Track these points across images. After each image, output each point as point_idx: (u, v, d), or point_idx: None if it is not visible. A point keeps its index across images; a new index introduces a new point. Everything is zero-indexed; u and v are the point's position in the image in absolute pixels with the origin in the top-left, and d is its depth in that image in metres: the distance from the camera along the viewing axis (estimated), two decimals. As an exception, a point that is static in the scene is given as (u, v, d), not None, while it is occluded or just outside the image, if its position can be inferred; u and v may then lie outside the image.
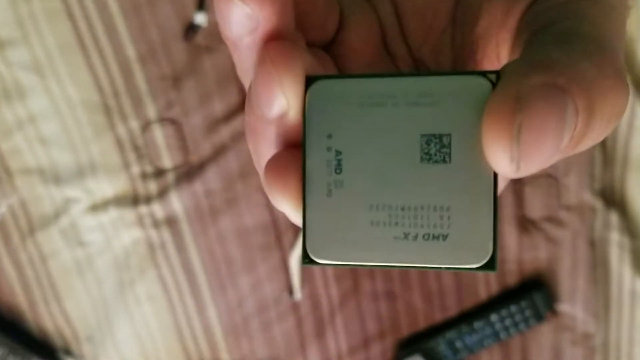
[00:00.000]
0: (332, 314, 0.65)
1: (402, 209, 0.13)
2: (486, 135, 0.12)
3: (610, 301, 0.65)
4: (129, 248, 0.61)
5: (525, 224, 0.63)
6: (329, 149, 0.14)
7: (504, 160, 0.12)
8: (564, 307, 0.65)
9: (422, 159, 0.13)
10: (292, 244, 0.62)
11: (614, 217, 0.62)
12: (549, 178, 0.61)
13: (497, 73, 0.12)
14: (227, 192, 0.60)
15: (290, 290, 0.63)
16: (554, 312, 0.64)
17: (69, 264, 0.61)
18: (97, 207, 0.60)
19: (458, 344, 0.65)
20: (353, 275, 0.63)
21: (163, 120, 0.58)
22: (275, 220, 0.61)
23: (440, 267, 0.13)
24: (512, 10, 0.16)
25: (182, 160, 0.59)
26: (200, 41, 0.56)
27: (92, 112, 0.57)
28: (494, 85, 0.12)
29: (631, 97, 0.57)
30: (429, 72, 0.14)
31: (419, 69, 0.19)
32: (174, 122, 0.58)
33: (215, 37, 0.56)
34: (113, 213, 0.59)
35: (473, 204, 0.12)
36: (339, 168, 0.14)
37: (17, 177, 0.59)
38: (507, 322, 0.64)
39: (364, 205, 0.13)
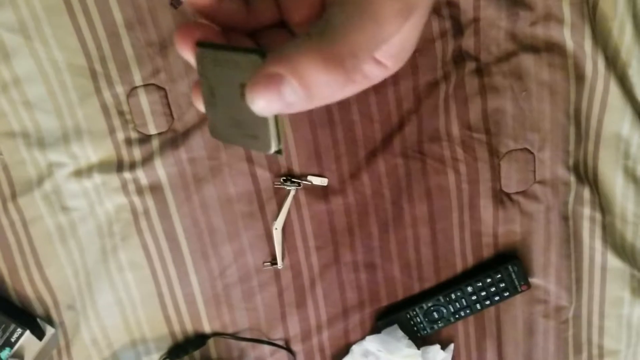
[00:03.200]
0: (313, 284, 0.66)
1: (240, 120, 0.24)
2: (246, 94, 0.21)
3: (582, 275, 0.68)
4: (112, 215, 0.61)
5: (501, 198, 0.65)
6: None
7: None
8: (537, 280, 0.67)
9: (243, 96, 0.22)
10: (275, 214, 0.63)
11: (587, 193, 0.64)
12: (525, 152, 0.63)
13: (262, 51, 0.22)
14: (212, 161, 0.61)
15: (272, 260, 0.64)
16: (528, 285, 0.66)
17: (51, 230, 0.61)
18: (81, 173, 0.60)
19: (435, 315, 0.66)
20: (334, 246, 0.65)
21: (149, 86, 0.58)
22: (259, 189, 0.62)
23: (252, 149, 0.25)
24: None
25: (166, 127, 0.59)
26: (187, 8, 0.57)
27: (78, 76, 0.57)
28: (262, 58, 0.22)
29: (603, 74, 0.60)
30: (247, 49, 0.23)
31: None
32: (159, 88, 0.58)
33: (203, 5, 0.57)
34: (97, 179, 0.60)
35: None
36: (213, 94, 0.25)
37: (0, 140, 0.58)
38: (483, 294, 0.66)
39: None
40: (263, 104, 0.20)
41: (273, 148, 0.23)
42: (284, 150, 0.24)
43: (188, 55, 0.25)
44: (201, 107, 0.26)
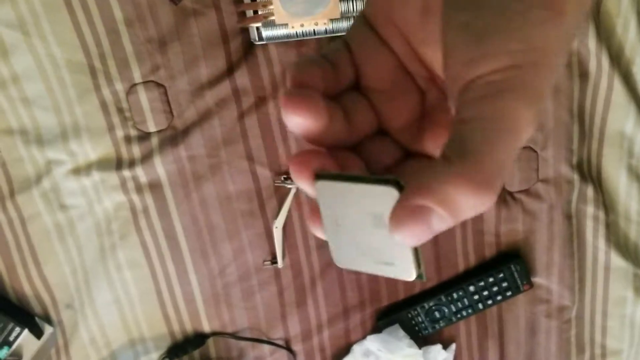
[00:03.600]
0: (313, 283, 0.65)
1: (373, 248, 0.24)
2: (390, 229, 0.20)
3: (585, 274, 0.67)
4: (111, 213, 0.61)
5: (503, 197, 0.64)
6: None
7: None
8: (539, 280, 0.67)
9: (374, 225, 0.22)
10: (276, 212, 0.62)
11: (590, 191, 0.64)
12: (528, 151, 0.62)
13: (398, 182, 0.21)
14: (211, 158, 0.60)
15: (272, 259, 0.64)
16: (530, 284, 0.65)
17: (50, 228, 0.61)
18: (79, 170, 0.59)
19: (436, 314, 0.66)
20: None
21: (148, 83, 0.57)
22: (259, 187, 0.62)
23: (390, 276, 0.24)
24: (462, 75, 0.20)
25: (166, 124, 0.59)
26: (187, 4, 0.56)
27: (76, 72, 0.57)
28: (399, 190, 0.21)
29: (607, 72, 0.59)
30: (377, 179, 0.22)
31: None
32: (159, 85, 0.58)
33: (203, 1, 0.56)
34: (96, 176, 0.59)
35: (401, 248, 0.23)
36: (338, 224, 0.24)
37: (-1, 138, 0.58)
38: (484, 293, 0.65)
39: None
40: (409, 236, 0.20)
41: (414, 275, 0.22)
42: (424, 273, 0.23)
43: (307, 186, 0.23)
44: (321, 235, 0.25)
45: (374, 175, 0.23)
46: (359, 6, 0.55)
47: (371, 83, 0.25)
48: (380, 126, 0.25)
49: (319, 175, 0.23)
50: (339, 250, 0.25)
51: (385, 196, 0.21)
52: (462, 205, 0.19)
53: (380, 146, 0.25)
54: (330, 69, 0.24)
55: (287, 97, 0.22)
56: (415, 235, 0.19)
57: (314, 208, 0.24)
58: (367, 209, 0.22)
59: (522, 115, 0.19)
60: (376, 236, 0.22)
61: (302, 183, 0.23)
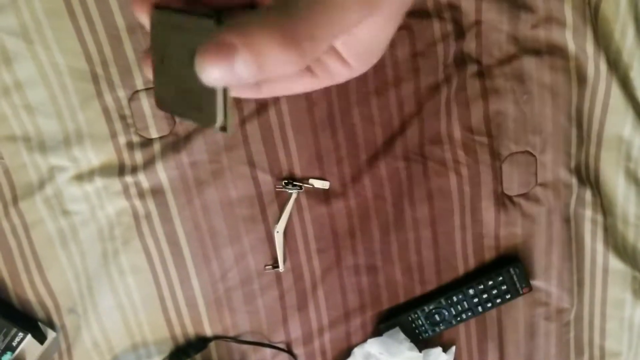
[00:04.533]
0: (314, 287, 0.66)
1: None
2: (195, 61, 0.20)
3: (584, 277, 0.68)
4: (114, 218, 0.61)
5: (502, 200, 0.65)
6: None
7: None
8: (538, 283, 0.67)
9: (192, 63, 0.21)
10: (277, 217, 0.63)
11: (588, 195, 0.64)
12: (527, 155, 0.63)
13: (219, 16, 0.20)
14: (213, 164, 0.61)
15: (274, 263, 0.64)
16: (529, 287, 0.66)
17: (53, 234, 0.61)
18: (82, 177, 0.60)
19: (436, 318, 0.66)
20: (335, 249, 0.65)
21: (150, 89, 0.58)
22: (260, 193, 0.62)
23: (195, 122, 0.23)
24: None
25: (168, 130, 0.59)
26: None
27: (79, 79, 0.57)
28: (218, 24, 0.20)
29: (605, 77, 0.60)
30: (204, 14, 0.21)
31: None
32: (161, 92, 0.58)
33: (204, 8, 0.57)
34: (98, 182, 0.60)
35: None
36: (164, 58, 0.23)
37: (1, 144, 0.58)
38: (484, 296, 0.65)
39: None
40: (212, 72, 0.19)
41: (218, 122, 0.21)
42: (231, 128, 0.22)
43: (144, 18, 0.24)
44: (149, 73, 0.25)
45: (207, 11, 0.22)
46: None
47: None
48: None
49: (157, 7, 0.23)
50: (160, 91, 0.24)
51: (205, 30, 0.20)
52: (266, 53, 0.19)
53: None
54: None
55: None
56: (216, 72, 0.19)
57: (149, 46, 0.24)
58: (188, 44, 0.21)
59: None
60: (192, 77, 0.21)
61: (139, 12, 0.24)
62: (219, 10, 0.21)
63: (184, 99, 0.23)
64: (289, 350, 0.67)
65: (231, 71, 0.19)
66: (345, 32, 0.21)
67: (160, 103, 0.25)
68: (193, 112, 0.23)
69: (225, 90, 0.21)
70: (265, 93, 0.24)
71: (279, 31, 0.19)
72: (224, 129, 0.22)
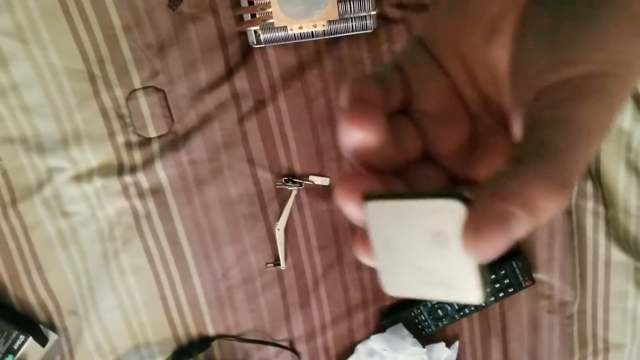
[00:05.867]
0: (316, 284, 0.65)
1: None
2: (464, 244, 0.18)
3: (586, 269, 0.67)
4: (114, 218, 0.61)
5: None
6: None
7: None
8: (541, 276, 0.67)
9: (434, 245, 0.21)
10: (277, 215, 0.62)
11: (589, 187, 0.64)
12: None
13: (462, 195, 0.19)
14: (212, 162, 0.60)
15: (275, 261, 0.64)
16: (532, 280, 0.66)
17: (52, 235, 0.61)
18: (81, 177, 0.59)
19: (439, 313, 0.66)
20: (336, 246, 0.64)
21: (148, 88, 0.58)
22: (260, 190, 0.62)
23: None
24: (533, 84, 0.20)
25: (166, 129, 0.59)
26: (184, 9, 0.56)
27: (76, 80, 0.57)
28: (465, 203, 0.19)
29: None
30: (435, 194, 0.20)
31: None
32: (158, 90, 0.58)
33: (200, 6, 0.56)
34: (97, 183, 0.59)
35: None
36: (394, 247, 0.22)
37: (-1, 146, 0.58)
38: (487, 290, 0.65)
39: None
40: (487, 248, 0.18)
41: (480, 297, 0.20)
42: (487, 296, 0.20)
43: (354, 209, 0.22)
44: (371, 262, 0.23)
45: (433, 190, 0.21)
46: (357, 7, 0.55)
47: (422, 106, 0.24)
48: (426, 151, 0.24)
49: (368, 197, 0.21)
50: (390, 276, 0.22)
51: (449, 211, 0.19)
52: (543, 207, 0.18)
53: (425, 171, 0.24)
54: (383, 89, 0.22)
55: (351, 111, 0.21)
56: (493, 246, 0.17)
57: (362, 234, 0.22)
58: (426, 228, 0.20)
59: (601, 118, 0.19)
60: (436, 257, 0.20)
61: (350, 206, 0.22)
62: (455, 189, 0.20)
63: (426, 280, 0.22)
64: (292, 348, 0.67)
65: (509, 239, 0.17)
66: (598, 147, 0.20)
67: (390, 287, 0.23)
68: (442, 291, 0.21)
69: (482, 264, 0.20)
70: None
71: (551, 181, 0.18)
72: (483, 299, 0.21)
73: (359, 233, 0.23)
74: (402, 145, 0.23)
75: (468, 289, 0.20)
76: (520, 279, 0.65)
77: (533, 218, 0.18)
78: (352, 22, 0.56)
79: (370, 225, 0.22)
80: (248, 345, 0.66)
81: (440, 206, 0.19)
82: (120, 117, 0.58)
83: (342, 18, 0.55)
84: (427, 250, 0.21)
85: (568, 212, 0.65)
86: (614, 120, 0.19)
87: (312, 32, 0.56)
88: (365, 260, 0.23)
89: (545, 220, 0.18)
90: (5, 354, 0.60)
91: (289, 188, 0.61)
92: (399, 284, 0.23)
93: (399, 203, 0.21)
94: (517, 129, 0.20)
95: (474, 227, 0.18)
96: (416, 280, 0.22)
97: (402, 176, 0.23)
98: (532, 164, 0.18)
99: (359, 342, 0.67)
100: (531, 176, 0.18)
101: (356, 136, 0.21)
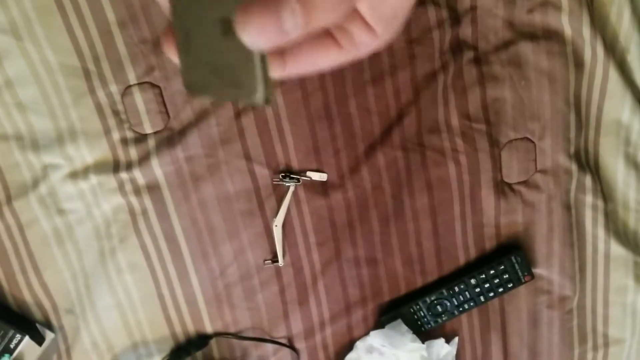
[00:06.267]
0: (314, 281, 0.65)
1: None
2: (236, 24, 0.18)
3: (585, 264, 0.67)
4: (110, 216, 0.60)
5: (502, 188, 0.64)
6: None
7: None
8: (540, 271, 0.67)
9: (224, 33, 0.20)
10: (275, 211, 0.62)
11: (588, 180, 0.64)
12: (526, 142, 0.62)
13: None
14: (209, 158, 0.60)
15: (273, 258, 0.64)
16: (531, 275, 0.65)
17: (48, 233, 0.60)
18: (77, 174, 0.59)
19: (438, 308, 0.66)
20: (335, 242, 0.64)
21: (143, 84, 0.57)
22: (258, 186, 0.61)
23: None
24: None
25: (162, 125, 0.59)
26: None
27: (71, 76, 0.56)
28: None
29: (602, 60, 0.59)
30: None
31: None
32: (154, 86, 0.57)
33: None
34: (93, 180, 0.59)
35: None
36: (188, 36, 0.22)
37: (-6, 144, 0.58)
38: (486, 286, 0.65)
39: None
40: (257, 32, 0.18)
41: (260, 94, 0.20)
42: (273, 99, 0.20)
43: None
44: (173, 55, 0.23)
45: None
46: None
47: None
48: None
49: None
50: (189, 72, 0.22)
51: None
52: (317, 4, 0.18)
53: None
54: None
55: None
56: (263, 30, 0.18)
57: (169, 26, 0.22)
58: (218, 13, 0.20)
59: None
60: (224, 50, 0.20)
61: None
62: None
63: (217, 76, 0.21)
64: (290, 346, 0.67)
65: (279, 26, 0.18)
66: None
67: (189, 86, 0.23)
68: (229, 90, 0.21)
69: (263, 57, 0.20)
70: (290, 69, 0.23)
71: None
72: (267, 101, 0.21)
73: (166, 26, 0.23)
74: None
75: (251, 87, 0.20)
76: (520, 274, 0.65)
77: (305, 10, 0.18)
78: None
79: (173, 13, 0.22)
80: (246, 343, 0.66)
81: None
82: (116, 113, 0.58)
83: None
84: (218, 42, 0.20)
85: (567, 207, 0.65)
86: None
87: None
88: (170, 54, 0.23)
89: (319, 20, 0.19)
90: (2, 353, 0.60)
91: (287, 184, 0.61)
92: (196, 82, 0.22)
93: None
94: None
95: (245, 6, 0.18)
96: (210, 78, 0.21)
97: None
98: None
99: (358, 338, 0.67)
100: None
101: None
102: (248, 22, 0.18)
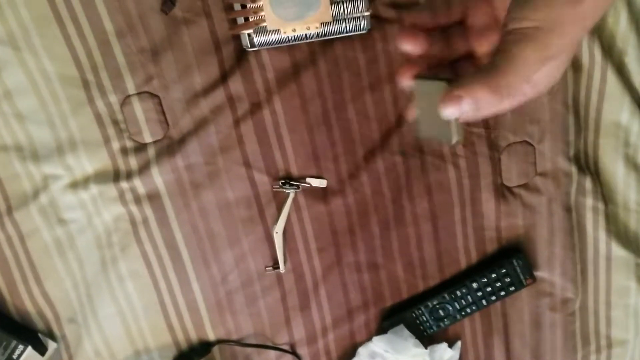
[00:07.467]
0: (316, 287, 0.65)
1: None
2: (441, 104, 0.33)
3: (587, 266, 0.67)
4: (111, 225, 0.60)
5: (502, 192, 0.64)
6: None
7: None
8: (542, 273, 0.67)
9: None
10: (275, 217, 0.62)
11: (588, 183, 0.64)
12: (525, 145, 0.62)
13: (449, 80, 0.34)
14: (209, 166, 0.60)
15: (274, 264, 0.64)
16: (533, 278, 0.65)
17: (49, 243, 0.60)
18: (77, 184, 0.59)
19: (440, 313, 0.66)
20: (335, 247, 0.64)
21: (142, 94, 0.57)
22: (258, 193, 0.61)
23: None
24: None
25: (162, 134, 0.59)
26: (177, 13, 0.56)
27: (69, 86, 0.56)
28: (448, 84, 0.34)
29: (600, 63, 0.59)
30: (442, 78, 0.35)
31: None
32: (153, 96, 0.57)
33: (193, 10, 0.56)
34: (94, 189, 0.59)
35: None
36: None
37: (-6, 155, 0.58)
38: (488, 289, 0.65)
39: None
40: (448, 111, 0.33)
41: (454, 139, 0.35)
42: (461, 139, 0.36)
43: (407, 84, 0.37)
44: (412, 117, 0.38)
45: (441, 76, 0.36)
46: (350, 8, 0.55)
47: (472, 21, 0.38)
48: (471, 52, 0.39)
49: (417, 77, 0.37)
50: (421, 126, 0.37)
51: (443, 88, 0.33)
52: (479, 99, 0.32)
53: (466, 65, 0.39)
54: (443, 10, 0.38)
55: (399, 31, 0.42)
56: (451, 110, 0.33)
57: (414, 101, 0.37)
58: (437, 97, 0.33)
59: (532, 56, 0.31)
60: (439, 114, 0.33)
61: (404, 82, 0.37)
62: (449, 77, 0.35)
63: (435, 128, 0.35)
64: (293, 352, 0.67)
65: (460, 109, 0.32)
66: (530, 78, 0.31)
67: (420, 134, 0.37)
68: (440, 135, 0.35)
69: (456, 120, 0.34)
70: (479, 114, 0.33)
71: (487, 84, 0.31)
72: (457, 142, 0.35)
73: (411, 103, 0.38)
74: (453, 48, 0.39)
75: (450, 134, 0.35)
76: (521, 277, 0.65)
77: (474, 103, 0.32)
78: (345, 23, 0.56)
79: (415, 95, 0.37)
80: (249, 350, 0.66)
81: (442, 85, 0.34)
82: (115, 123, 0.58)
83: (335, 19, 0.55)
84: (436, 111, 0.34)
85: (567, 209, 0.65)
86: (546, 61, 0.31)
87: (306, 34, 0.55)
88: (409, 117, 0.38)
89: (486, 109, 0.32)
90: (5, 363, 0.60)
91: (286, 191, 0.61)
92: (423, 132, 0.37)
93: (428, 82, 0.36)
94: None
95: (443, 98, 0.33)
96: (432, 130, 0.36)
97: (454, 67, 0.39)
98: (484, 73, 0.32)
99: (361, 344, 0.67)
100: (480, 79, 0.32)
101: (405, 47, 0.37)
102: (444, 106, 0.33)
